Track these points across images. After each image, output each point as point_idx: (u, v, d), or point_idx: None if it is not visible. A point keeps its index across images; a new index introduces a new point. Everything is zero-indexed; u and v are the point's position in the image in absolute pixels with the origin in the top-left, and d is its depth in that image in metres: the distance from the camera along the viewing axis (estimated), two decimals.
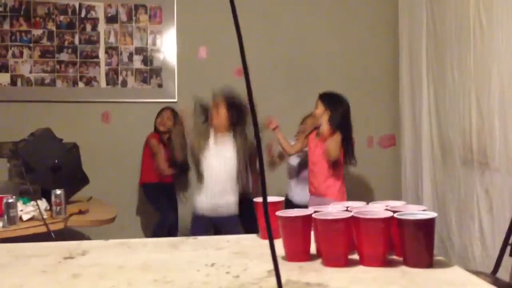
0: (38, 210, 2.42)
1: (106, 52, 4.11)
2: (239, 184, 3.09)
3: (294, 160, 3.56)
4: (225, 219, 3.05)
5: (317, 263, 1.15)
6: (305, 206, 3.42)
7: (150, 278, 1.06)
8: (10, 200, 2.34)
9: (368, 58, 4.31)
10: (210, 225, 3.09)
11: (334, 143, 3.05)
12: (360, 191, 4.05)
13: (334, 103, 3.15)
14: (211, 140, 3.08)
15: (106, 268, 1.16)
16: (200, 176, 3.11)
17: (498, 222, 2.79)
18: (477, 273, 1.64)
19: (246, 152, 3.09)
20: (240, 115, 3.05)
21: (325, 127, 3.11)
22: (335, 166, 3.12)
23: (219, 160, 3.06)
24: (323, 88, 3.95)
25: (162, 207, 3.95)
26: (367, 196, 3.92)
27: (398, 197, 3.78)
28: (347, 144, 3.13)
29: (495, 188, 2.83)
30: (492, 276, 2.19)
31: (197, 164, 3.12)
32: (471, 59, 3.05)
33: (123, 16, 4.14)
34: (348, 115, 3.16)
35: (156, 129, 3.96)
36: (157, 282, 1.04)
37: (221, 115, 3.04)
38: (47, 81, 4.04)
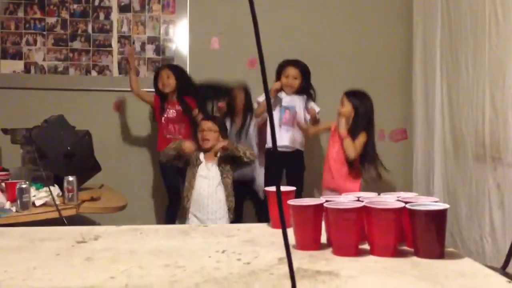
0: (50, 196, 2.44)
1: (119, 41, 4.12)
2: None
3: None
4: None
5: (328, 252, 1.15)
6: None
7: (161, 263, 1.08)
8: (23, 186, 2.37)
9: (381, 51, 4.27)
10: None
11: (355, 144, 3.07)
12: (370, 183, 4.03)
13: (361, 103, 3.14)
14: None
15: (118, 253, 1.17)
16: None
17: (509, 217, 2.77)
18: (487, 267, 1.63)
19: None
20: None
21: (343, 126, 3.09)
22: (352, 166, 3.18)
23: None
24: (335, 81, 3.94)
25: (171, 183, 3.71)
26: (377, 189, 3.90)
27: (408, 191, 3.75)
28: (369, 147, 3.15)
29: (507, 183, 2.80)
30: (502, 271, 2.18)
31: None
32: (486, 53, 3.01)
33: (136, 5, 4.14)
34: (372, 116, 3.17)
35: (159, 93, 3.73)
36: (169, 266, 1.05)
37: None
38: (60, 69, 4.06)
